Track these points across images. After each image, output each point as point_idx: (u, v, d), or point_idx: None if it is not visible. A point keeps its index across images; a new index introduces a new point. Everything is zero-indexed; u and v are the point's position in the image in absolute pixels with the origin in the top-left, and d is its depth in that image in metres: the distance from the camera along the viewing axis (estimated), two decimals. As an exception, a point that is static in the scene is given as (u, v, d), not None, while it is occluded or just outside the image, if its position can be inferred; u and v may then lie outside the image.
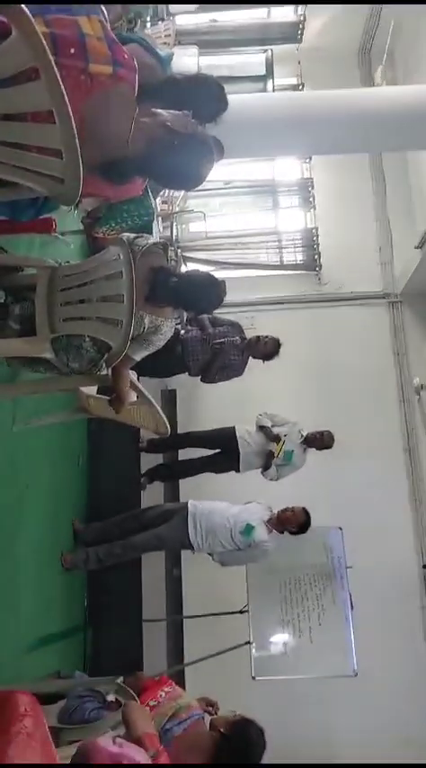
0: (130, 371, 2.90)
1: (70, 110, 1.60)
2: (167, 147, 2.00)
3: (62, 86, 1.56)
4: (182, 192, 6.70)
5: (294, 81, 7.58)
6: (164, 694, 2.70)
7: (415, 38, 6.39)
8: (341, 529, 5.14)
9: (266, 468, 5.05)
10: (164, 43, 5.80)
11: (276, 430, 5.11)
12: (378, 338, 6.75)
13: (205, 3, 7.04)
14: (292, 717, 5.29)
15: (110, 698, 2.71)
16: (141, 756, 1.54)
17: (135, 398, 3.22)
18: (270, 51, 7.29)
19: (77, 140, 1.66)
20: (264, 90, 7.42)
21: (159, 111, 2.05)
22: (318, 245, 7.09)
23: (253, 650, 4.81)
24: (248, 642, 4.81)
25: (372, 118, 4.91)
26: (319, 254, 7.06)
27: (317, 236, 7.12)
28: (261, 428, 5.13)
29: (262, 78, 7.43)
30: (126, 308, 2.50)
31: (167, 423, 3.51)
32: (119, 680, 2.77)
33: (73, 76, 1.73)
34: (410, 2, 6.09)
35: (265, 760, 2.62)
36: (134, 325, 2.52)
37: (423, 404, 6.44)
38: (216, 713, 3.00)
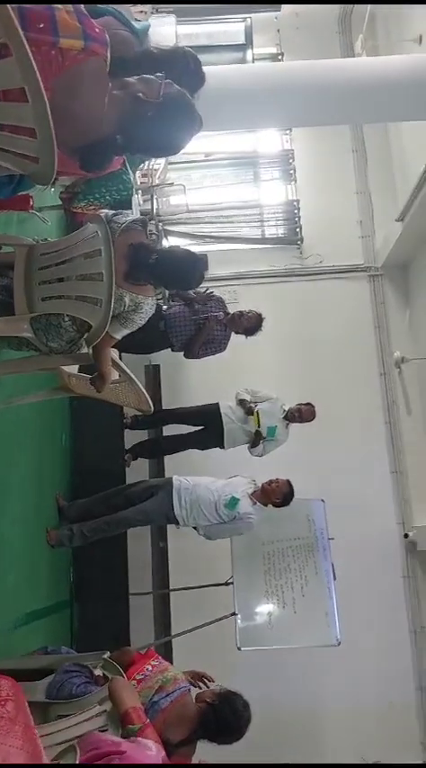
0: (112, 349, 2.89)
1: (43, 87, 1.57)
2: (141, 121, 1.95)
3: (34, 64, 1.52)
4: (162, 165, 6.61)
5: (273, 50, 7.46)
6: (150, 668, 2.74)
7: (395, 6, 6.30)
8: (323, 501, 5.21)
9: (254, 445, 5.07)
10: (141, 11, 5.67)
11: (259, 406, 5.14)
12: (359, 311, 6.75)
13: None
14: (277, 686, 5.40)
15: (98, 672, 2.74)
16: (149, 743, 1.55)
17: (117, 377, 3.22)
18: (249, 20, 7.17)
19: (51, 119, 1.62)
20: (244, 59, 7.31)
21: (130, 80, 1.99)
22: (299, 218, 7.05)
23: (239, 621, 4.88)
24: (233, 613, 4.88)
25: (353, 89, 4.85)
26: (300, 228, 7.02)
27: (299, 209, 7.07)
28: (241, 402, 5.15)
29: (242, 47, 7.32)
30: (105, 286, 2.48)
31: (150, 401, 3.52)
32: (106, 655, 2.80)
33: (43, 52, 1.68)
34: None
35: (251, 729, 2.69)
36: (114, 304, 2.51)
37: (404, 377, 6.48)
38: (207, 685, 3.05)
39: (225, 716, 2.60)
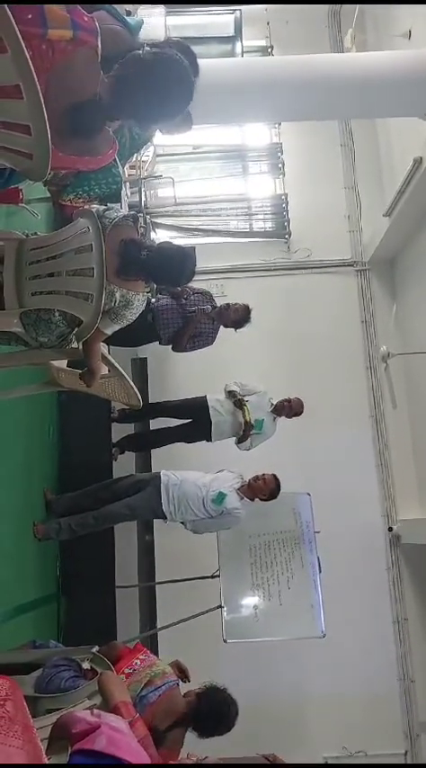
0: (101, 344, 2.88)
1: (38, 84, 1.56)
2: (128, 69, 1.92)
3: (29, 61, 1.51)
4: (151, 157, 6.58)
5: (263, 43, 7.43)
6: (138, 662, 2.76)
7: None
8: (309, 495, 5.24)
9: (242, 440, 5.07)
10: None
11: (247, 398, 5.13)
12: (346, 306, 6.78)
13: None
14: (263, 678, 5.44)
15: (86, 666, 2.75)
16: (120, 723, 1.57)
17: (106, 371, 3.21)
18: (238, 12, 7.13)
19: (46, 115, 1.61)
20: (233, 52, 7.27)
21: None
22: (287, 212, 7.04)
23: (225, 614, 4.91)
24: (219, 606, 4.91)
25: (342, 84, 4.85)
26: (288, 222, 7.02)
27: (287, 202, 7.06)
28: (230, 393, 5.14)
29: (231, 40, 7.28)
30: (96, 281, 2.47)
31: (139, 396, 3.51)
32: (94, 649, 2.81)
33: (34, 46, 1.66)
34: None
35: (238, 721, 2.72)
36: (105, 300, 2.50)
37: (390, 371, 6.53)
38: (186, 680, 3.07)
39: (212, 711, 2.63)
